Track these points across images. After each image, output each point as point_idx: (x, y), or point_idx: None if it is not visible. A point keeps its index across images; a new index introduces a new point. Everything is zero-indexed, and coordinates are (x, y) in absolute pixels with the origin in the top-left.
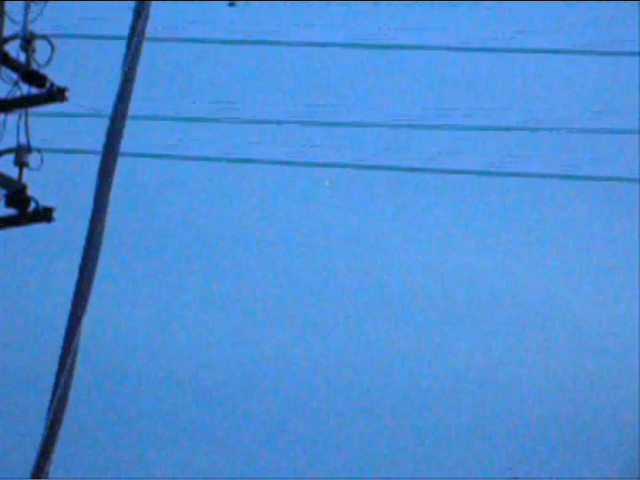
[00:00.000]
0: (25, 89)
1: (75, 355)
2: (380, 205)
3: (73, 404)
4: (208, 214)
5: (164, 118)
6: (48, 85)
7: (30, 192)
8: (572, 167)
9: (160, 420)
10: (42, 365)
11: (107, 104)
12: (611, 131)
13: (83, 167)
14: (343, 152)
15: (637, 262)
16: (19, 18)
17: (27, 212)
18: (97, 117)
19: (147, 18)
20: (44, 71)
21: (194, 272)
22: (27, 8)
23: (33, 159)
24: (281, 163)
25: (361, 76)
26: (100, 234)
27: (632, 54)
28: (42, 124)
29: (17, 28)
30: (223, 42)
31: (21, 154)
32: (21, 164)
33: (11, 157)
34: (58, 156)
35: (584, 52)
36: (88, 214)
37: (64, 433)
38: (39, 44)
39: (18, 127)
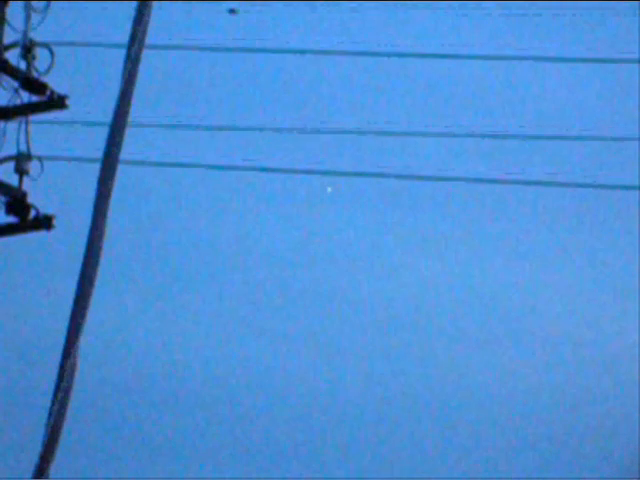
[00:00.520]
0: (25, 97)
1: (76, 358)
2: (378, 214)
3: (73, 406)
4: (209, 222)
5: (164, 126)
6: (48, 93)
7: (30, 200)
8: (571, 175)
9: (159, 427)
10: (43, 367)
11: (107, 112)
12: (611, 138)
13: (83, 175)
14: (343, 160)
15: (637, 274)
16: (19, 26)
17: (27, 220)
18: (97, 125)
19: (147, 26)
20: (44, 79)
21: (195, 281)
22: (28, 16)
23: (33, 167)
24: (281, 171)
25: (360, 83)
26: (100, 242)
27: (632, 61)
28: (42, 132)
29: (17, 36)
30: (223, 50)
31: (21, 162)
32: (21, 172)
33: (11, 165)
34: (58, 164)
35: (584, 60)
36: (88, 222)
37: (64, 436)
38: (39, 52)
39: (18, 135)
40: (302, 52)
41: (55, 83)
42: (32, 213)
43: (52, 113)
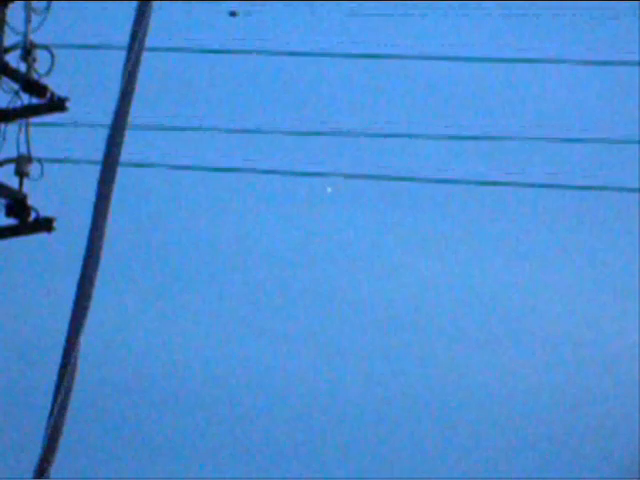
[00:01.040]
0: (26, 99)
1: (76, 358)
2: (377, 215)
3: (74, 406)
4: (209, 223)
5: (164, 128)
6: (48, 95)
7: (30, 202)
8: (571, 176)
9: (159, 427)
10: (44, 368)
11: (107, 113)
12: (611, 140)
13: (83, 177)
14: (342, 161)
15: (637, 274)
16: (20, 28)
17: (27, 222)
18: (97, 126)
19: (147, 28)
20: (45, 81)
21: (195, 281)
22: (28, 18)
23: (34, 169)
24: (281, 172)
25: (360, 85)
26: (100, 243)
27: (632, 63)
28: (42, 134)
29: (18, 38)
30: (224, 51)
31: (21, 164)
32: (21, 174)
33: (12, 167)
34: (58, 166)
35: (584, 62)
36: (88, 223)
37: (65, 436)
38: (40, 54)
39: (19, 137)
40: (302, 54)
41: (55, 85)
42: (32, 215)
43: (52, 115)
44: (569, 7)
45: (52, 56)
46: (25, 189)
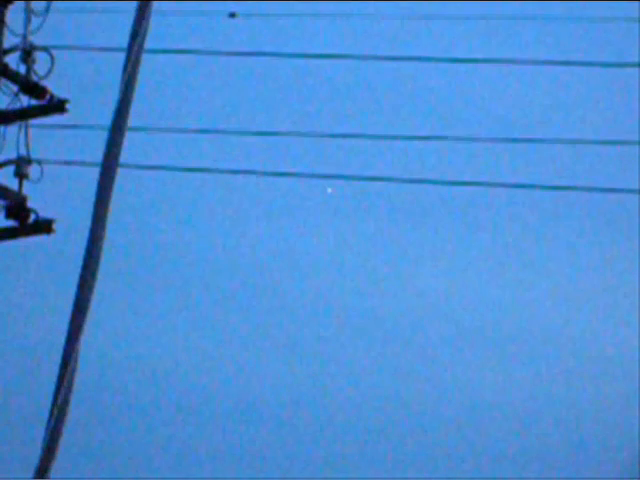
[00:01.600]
0: (25, 101)
1: (76, 360)
2: (371, 221)
3: (73, 407)
4: (208, 226)
5: (163, 130)
6: (48, 97)
7: (30, 204)
8: (567, 179)
9: (158, 429)
10: (44, 369)
11: (107, 115)
12: (609, 142)
13: (83, 179)
14: (342, 164)
15: (637, 279)
16: (19, 30)
17: (27, 224)
18: (97, 128)
19: (147, 29)
20: (44, 83)
21: (194, 285)
22: (27, 20)
23: (33, 171)
24: (279, 175)
25: (359, 87)
26: (99, 245)
27: (632, 65)
28: (42, 136)
29: (17, 40)
30: (223, 53)
31: (21, 166)
32: (21, 176)
33: (11, 168)
34: (58, 168)
35: (582, 63)
36: (87, 225)
37: (64, 439)
38: (39, 56)
39: (18, 138)
40: (302, 56)
41: (55, 87)
42: (32, 217)
43: (52, 117)
44: (567, 8)
45: (51, 58)
46: (25, 191)
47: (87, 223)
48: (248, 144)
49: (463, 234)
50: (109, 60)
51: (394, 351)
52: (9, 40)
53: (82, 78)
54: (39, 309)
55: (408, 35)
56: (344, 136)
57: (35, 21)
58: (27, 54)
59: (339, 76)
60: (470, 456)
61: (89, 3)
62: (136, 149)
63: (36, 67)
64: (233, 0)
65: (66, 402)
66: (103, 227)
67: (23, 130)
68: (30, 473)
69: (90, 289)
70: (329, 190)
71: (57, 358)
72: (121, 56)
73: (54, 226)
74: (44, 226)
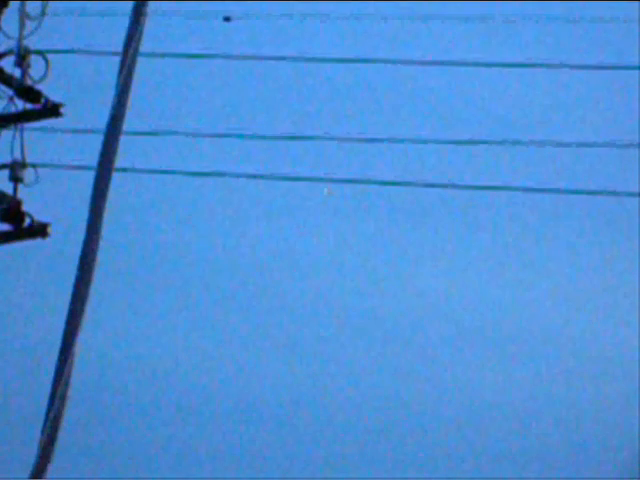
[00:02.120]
0: (20, 105)
1: (72, 361)
2: (368, 223)
3: (71, 408)
4: (205, 230)
5: (158, 133)
6: (43, 100)
7: (25, 207)
8: (567, 181)
9: (156, 430)
10: (41, 370)
11: (102, 119)
12: (610, 144)
13: (78, 182)
14: (337, 167)
15: (637, 279)
16: (14, 34)
17: (22, 227)
18: (92, 132)
19: (142, 33)
20: (39, 86)
21: (194, 285)
22: (22, 24)
23: (28, 174)
24: (275, 178)
25: (357, 91)
26: (95, 248)
27: (632, 67)
28: (37, 139)
29: (12, 44)
30: (218, 57)
31: (16, 169)
32: (16, 179)
33: (6, 172)
34: (53, 171)
35: (582, 66)
36: (83, 229)
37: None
38: (34, 60)
39: (13, 142)
40: (298, 59)
41: (49, 91)
42: (27, 221)
43: (47, 121)
44: (567, 9)
45: (46, 62)
46: (20, 195)
47: (83, 226)
48: (247, 146)
49: (463, 234)
50: (104, 63)
51: (394, 351)
52: (4, 44)
53: (77, 82)
54: (35, 310)
55: (407, 36)
56: (343, 139)
57: (30, 25)
58: (22, 58)
59: (339, 77)
60: (470, 456)
61: (84, 6)
62: (133, 152)
63: (31, 71)
64: (233, 0)
65: (63, 403)
66: (99, 230)
67: (18, 134)
68: (27, 473)
69: (86, 291)
70: (326, 191)
71: (54, 358)
72: (116, 59)
73: (49, 230)
74: (39, 230)
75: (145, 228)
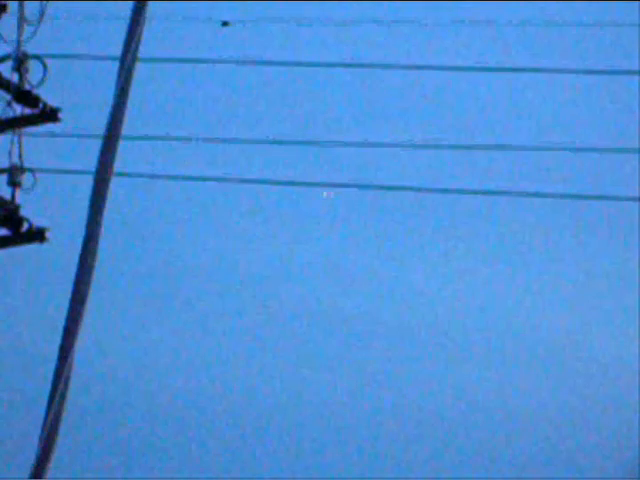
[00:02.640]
0: (18, 109)
1: (72, 362)
2: (365, 228)
3: (70, 409)
4: (203, 235)
5: (157, 138)
6: (41, 105)
7: (23, 212)
8: (569, 186)
9: (155, 430)
10: (40, 372)
11: (100, 124)
12: (611, 150)
13: (76, 187)
14: (335, 173)
15: (637, 283)
16: (12, 38)
17: (20, 232)
18: (90, 137)
19: (140, 38)
20: (37, 91)
21: (188, 300)
22: (20, 28)
23: (26, 179)
24: (272, 183)
25: (355, 97)
26: (93, 254)
27: (632, 72)
28: (35, 144)
29: (10, 48)
30: (216, 62)
31: (14, 174)
32: (14, 184)
33: (4, 177)
34: (51, 176)
35: (586, 71)
36: (81, 234)
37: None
38: (32, 64)
39: (11, 147)
40: (296, 64)
41: (48, 95)
42: (25, 226)
43: (45, 125)
44: (568, 15)
45: (44, 66)
46: (18, 199)
47: (81, 231)
48: (247, 151)
49: (464, 238)
50: (103, 68)
51: (394, 353)
52: (2, 48)
53: (75, 86)
54: (34, 312)
55: (404, 42)
56: (338, 144)
57: (28, 30)
58: (20, 63)
59: (333, 84)
60: (470, 457)
61: (83, 10)
62: (131, 157)
63: (29, 76)
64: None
65: (62, 404)
66: (97, 235)
67: (16, 139)
68: (26, 474)
69: (84, 296)
70: (325, 194)
71: (53, 358)
72: (115, 64)
73: (47, 234)
74: (37, 234)
75: (144, 233)
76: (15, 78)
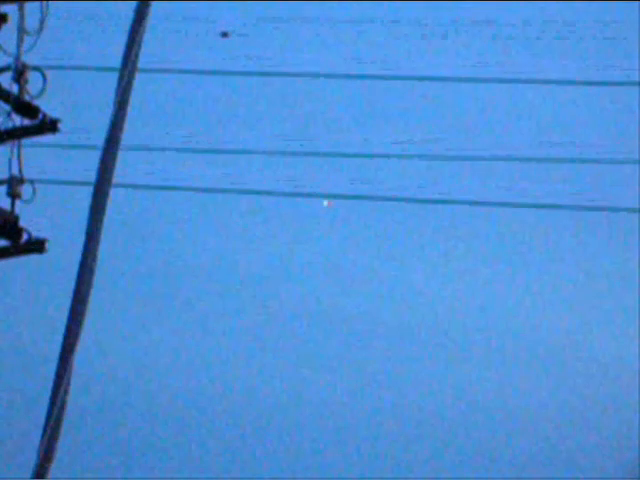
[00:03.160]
0: (17, 120)
1: (72, 366)
2: (369, 235)
3: (71, 410)
4: (201, 244)
5: (157, 149)
6: (40, 116)
7: (22, 223)
8: (573, 197)
9: (154, 431)
10: (42, 374)
11: (99, 135)
12: (612, 161)
13: (75, 198)
14: (332, 182)
15: (637, 286)
16: (12, 49)
17: (19, 243)
18: (89, 148)
19: (140, 49)
20: (36, 102)
21: (188, 302)
22: (20, 39)
23: (25, 190)
24: (270, 194)
25: (354, 105)
26: (92, 264)
27: (632, 83)
28: (34, 155)
29: (9, 59)
30: (216, 73)
31: (13, 185)
32: (13, 195)
33: (3, 188)
34: (50, 187)
35: (587, 83)
36: (80, 244)
37: (62, 439)
38: (31, 75)
39: (10, 158)
40: (295, 75)
41: (47, 107)
42: (24, 237)
43: (44, 136)
44: (570, 26)
45: (44, 77)
46: (17, 210)
47: (80, 242)
48: (248, 159)
49: (464, 239)
50: (102, 79)
51: (394, 353)
52: (1, 60)
53: (75, 98)
54: (35, 313)
55: (406, 52)
56: (338, 155)
57: (28, 41)
58: (19, 74)
59: (332, 93)
60: (470, 457)
61: (81, 25)
62: (129, 168)
63: (28, 87)
64: (235, 0)
65: (63, 404)
66: (96, 245)
67: (15, 149)
68: (27, 473)
69: (83, 305)
70: (325, 203)
71: (54, 359)
72: (114, 76)
73: (46, 245)
74: (36, 245)
75: (144, 233)
76: (15, 89)
